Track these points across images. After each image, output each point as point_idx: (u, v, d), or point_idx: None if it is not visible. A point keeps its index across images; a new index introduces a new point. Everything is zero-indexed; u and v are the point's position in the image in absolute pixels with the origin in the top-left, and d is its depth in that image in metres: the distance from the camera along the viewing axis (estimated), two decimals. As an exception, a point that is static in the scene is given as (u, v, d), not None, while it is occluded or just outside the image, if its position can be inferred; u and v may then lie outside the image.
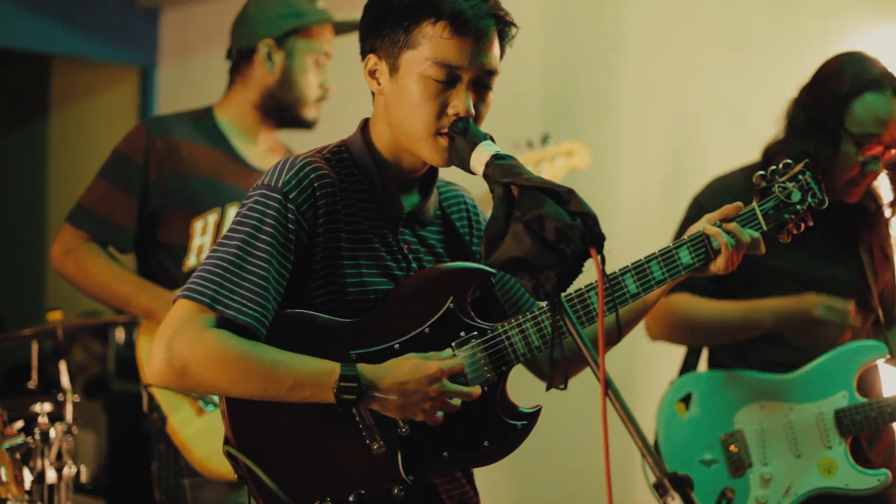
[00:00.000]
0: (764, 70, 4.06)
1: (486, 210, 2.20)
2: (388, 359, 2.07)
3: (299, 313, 2.07)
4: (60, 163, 7.26)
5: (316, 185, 2.08)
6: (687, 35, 4.33)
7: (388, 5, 2.07)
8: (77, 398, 3.26)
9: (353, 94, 3.53)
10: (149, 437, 3.29)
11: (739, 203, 2.22)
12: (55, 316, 3.33)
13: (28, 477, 2.99)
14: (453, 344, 2.10)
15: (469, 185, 2.39)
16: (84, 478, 3.18)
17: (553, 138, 3.99)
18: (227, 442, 2.06)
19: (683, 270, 2.17)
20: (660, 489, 1.64)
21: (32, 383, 3.30)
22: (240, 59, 3.37)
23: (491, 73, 2.08)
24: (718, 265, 2.17)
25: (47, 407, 3.15)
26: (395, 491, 2.06)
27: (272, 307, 2.03)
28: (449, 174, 2.24)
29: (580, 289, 2.15)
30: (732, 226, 2.17)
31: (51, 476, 3.07)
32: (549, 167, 3.86)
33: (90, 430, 5.52)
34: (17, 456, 2.99)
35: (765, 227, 2.23)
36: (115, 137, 3.32)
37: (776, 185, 2.26)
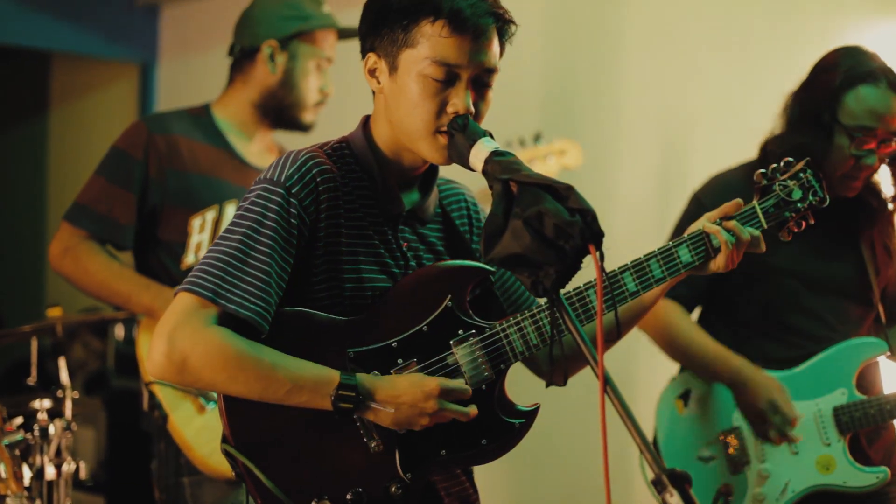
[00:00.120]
0: (763, 69, 4.06)
1: (486, 207, 2.20)
2: (386, 357, 2.08)
3: (297, 311, 2.07)
4: (60, 159, 7.26)
5: (318, 179, 2.08)
6: (686, 34, 4.33)
7: (387, 5, 2.07)
8: (76, 395, 3.27)
9: (348, 96, 3.54)
10: (147, 434, 3.29)
11: (739, 200, 2.22)
12: (55, 312, 3.33)
13: (27, 473, 2.99)
14: (451, 342, 2.10)
15: (468, 181, 2.39)
16: (83, 474, 3.19)
17: (545, 137, 4.00)
18: (224, 440, 2.07)
19: (683, 269, 2.17)
20: (658, 486, 1.64)
21: (32, 380, 3.30)
22: (242, 57, 3.37)
23: (490, 71, 2.08)
24: (718, 264, 2.17)
25: (47, 403, 3.15)
26: (393, 489, 2.06)
27: (274, 302, 2.03)
28: (449, 171, 2.24)
29: (579, 287, 2.15)
30: (732, 224, 2.17)
31: (50, 472, 3.07)
32: (540, 166, 3.87)
33: (89, 427, 5.51)
34: (17, 452, 2.99)
35: (765, 226, 2.22)
36: (115, 134, 3.31)
37: (777, 183, 2.26)
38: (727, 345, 3.09)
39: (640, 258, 2.17)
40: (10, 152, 7.46)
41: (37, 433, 3.06)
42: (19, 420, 3.08)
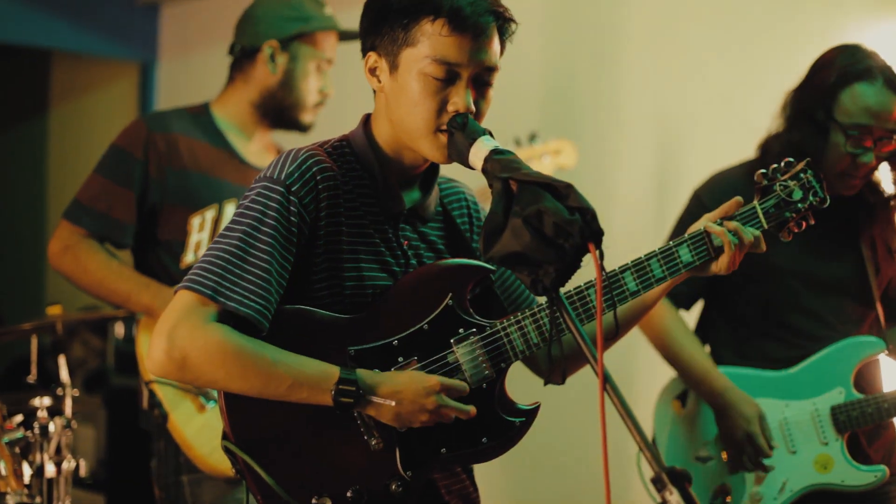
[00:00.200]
0: (762, 68, 4.06)
1: (485, 205, 2.20)
2: (387, 355, 2.08)
3: (298, 309, 2.07)
4: (60, 158, 7.26)
5: (318, 178, 2.08)
6: (685, 33, 4.33)
7: (387, 4, 2.08)
8: (76, 393, 3.26)
9: (348, 96, 3.54)
10: (146, 433, 3.29)
11: (739, 198, 2.22)
12: (54, 310, 3.33)
13: (27, 471, 2.99)
14: (452, 340, 2.10)
15: (468, 180, 2.39)
16: (83, 472, 3.18)
17: (541, 137, 4.00)
18: (225, 437, 2.06)
19: (684, 268, 2.17)
20: (658, 484, 1.64)
21: (32, 378, 3.30)
22: (242, 57, 3.37)
23: (490, 69, 2.08)
24: (721, 265, 2.17)
25: (46, 401, 3.14)
26: (393, 487, 2.06)
27: (274, 300, 2.03)
28: (449, 170, 2.24)
29: (580, 286, 2.15)
30: (735, 225, 2.17)
31: (50, 470, 3.06)
32: (536, 166, 3.86)
33: (89, 425, 5.52)
34: (17, 450, 2.99)
35: (766, 226, 2.22)
36: (115, 133, 3.30)
37: (777, 184, 2.26)
38: (728, 344, 3.09)
39: (640, 257, 2.17)
40: (10, 151, 7.46)
41: (37, 431, 3.06)
42: (19, 418, 3.08)
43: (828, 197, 2.28)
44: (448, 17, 2.02)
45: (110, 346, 5.65)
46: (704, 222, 2.19)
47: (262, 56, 3.32)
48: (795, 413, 2.98)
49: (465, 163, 2.02)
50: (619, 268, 2.16)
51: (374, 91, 2.16)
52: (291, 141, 3.38)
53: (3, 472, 2.87)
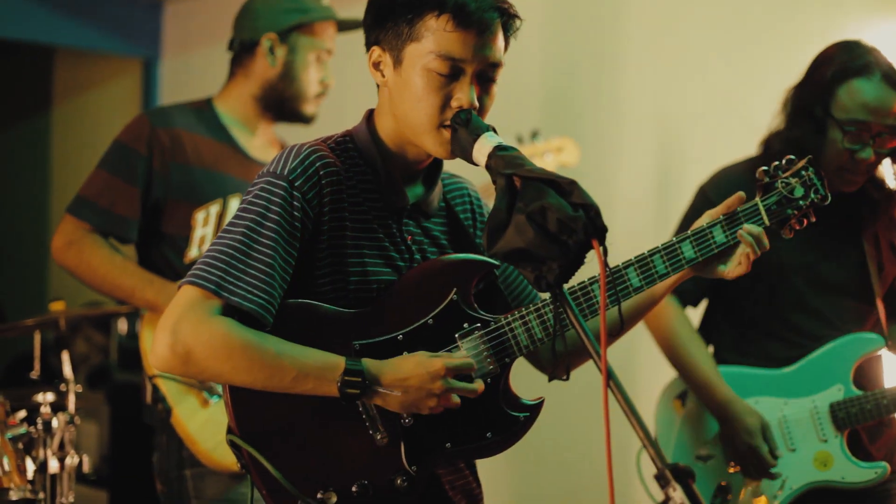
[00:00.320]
0: (763, 66, 4.06)
1: (489, 202, 2.20)
2: (392, 349, 2.07)
3: (302, 303, 2.07)
4: (63, 155, 7.27)
5: (322, 173, 2.08)
6: (686, 31, 4.33)
7: (392, -2, 2.08)
8: (79, 388, 3.26)
9: (351, 88, 3.54)
10: (149, 428, 3.29)
11: (742, 194, 2.22)
12: (58, 306, 3.33)
13: (31, 467, 2.99)
14: (457, 335, 2.11)
15: (472, 176, 2.40)
16: (86, 468, 3.18)
17: (543, 134, 4.00)
18: (230, 431, 2.06)
19: (686, 264, 2.17)
20: (661, 480, 1.64)
21: (35, 373, 3.30)
22: (242, 51, 3.37)
23: (495, 65, 2.08)
24: (733, 273, 2.17)
25: (50, 397, 3.14)
26: (398, 481, 2.06)
27: (278, 294, 2.03)
28: (452, 166, 2.24)
29: (583, 282, 2.15)
30: (759, 231, 2.17)
31: (53, 466, 3.06)
32: (538, 163, 3.85)
33: (92, 421, 5.53)
34: (20, 446, 2.99)
35: (767, 223, 2.23)
36: (118, 130, 3.30)
37: (779, 181, 2.26)
38: (730, 344, 3.09)
39: (643, 253, 2.17)
40: (14, 147, 7.47)
41: (40, 427, 3.06)
42: (22, 414, 3.07)
43: (829, 194, 2.28)
44: (453, 12, 2.02)
45: (113, 342, 5.65)
46: (707, 218, 2.20)
47: (261, 49, 3.32)
48: (794, 411, 2.98)
49: (468, 159, 2.02)
50: (623, 263, 2.16)
51: (378, 86, 2.16)
52: (295, 135, 3.39)
53: (7, 468, 2.87)
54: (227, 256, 2.01)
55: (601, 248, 1.77)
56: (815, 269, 3.00)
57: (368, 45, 2.14)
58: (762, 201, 2.23)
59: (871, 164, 2.88)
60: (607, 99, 4.53)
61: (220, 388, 3.07)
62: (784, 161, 2.28)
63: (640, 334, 3.14)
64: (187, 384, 3.08)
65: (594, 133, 4.44)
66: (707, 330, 3.17)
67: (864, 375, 3.01)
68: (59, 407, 3.16)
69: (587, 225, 1.76)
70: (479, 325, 2.12)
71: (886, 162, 2.94)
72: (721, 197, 2.26)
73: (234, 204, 3.24)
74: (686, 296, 3.08)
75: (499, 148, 1.95)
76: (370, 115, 2.20)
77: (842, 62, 2.86)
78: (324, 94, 3.39)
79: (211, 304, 2.00)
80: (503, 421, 2.12)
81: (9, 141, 7.49)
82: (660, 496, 1.65)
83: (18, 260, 7.18)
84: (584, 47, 4.62)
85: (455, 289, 2.12)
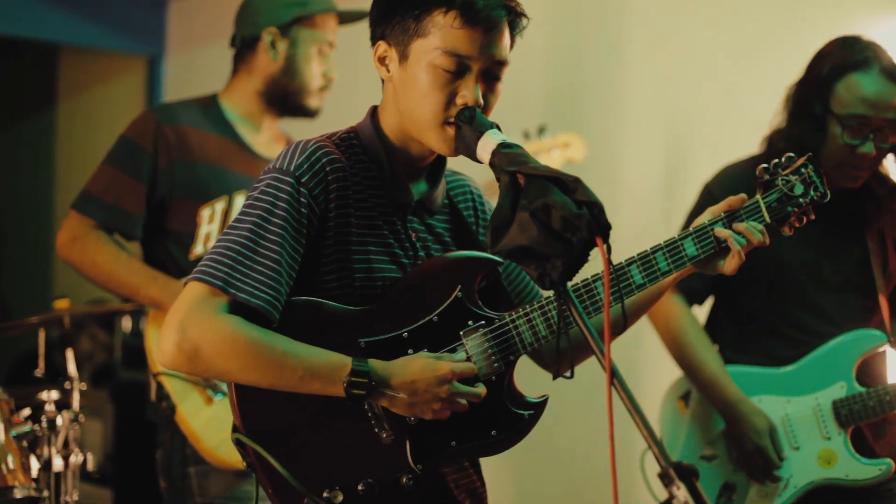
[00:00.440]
0: (768, 63, 4.05)
1: (492, 199, 2.20)
2: (397, 347, 2.07)
3: (307, 300, 2.07)
4: (68, 152, 7.27)
5: (328, 169, 2.08)
6: (691, 28, 4.33)
7: (399, -7, 2.08)
8: (84, 386, 3.27)
9: (356, 83, 3.53)
10: (153, 425, 3.29)
11: (743, 195, 2.22)
12: (62, 304, 3.33)
13: (35, 465, 2.99)
14: (461, 332, 2.10)
15: (475, 173, 2.39)
16: (91, 466, 3.19)
17: (549, 130, 4.00)
18: (235, 429, 2.06)
19: (688, 262, 2.17)
20: (665, 479, 1.64)
21: (39, 371, 3.31)
22: (243, 47, 3.37)
23: (500, 63, 2.08)
24: (730, 266, 2.17)
25: (54, 395, 3.15)
26: (404, 480, 2.06)
27: (285, 291, 2.02)
28: (456, 163, 2.24)
29: (587, 279, 2.15)
30: (744, 227, 2.17)
31: (57, 464, 3.07)
32: (545, 159, 3.87)
33: (97, 419, 5.53)
34: (24, 444, 2.99)
35: (768, 220, 2.23)
36: (123, 127, 3.30)
37: (779, 178, 2.26)
38: (734, 342, 3.09)
39: (646, 251, 2.17)
40: (18, 145, 7.47)
41: (44, 425, 3.06)
42: (27, 411, 3.08)
43: (828, 192, 2.28)
44: (460, 9, 2.02)
45: (118, 340, 5.66)
46: (709, 216, 2.20)
47: (262, 44, 3.32)
48: (797, 409, 2.97)
49: (472, 156, 2.02)
50: (626, 261, 2.16)
51: (383, 81, 2.16)
52: (300, 130, 3.40)
53: (11, 466, 2.88)
54: (233, 253, 2.01)
55: (605, 246, 1.77)
56: (816, 267, 3.00)
57: (374, 40, 2.14)
58: (763, 199, 2.24)
59: (873, 159, 2.88)
60: (613, 96, 4.52)
61: (224, 386, 3.07)
62: (784, 159, 2.28)
63: (643, 333, 3.14)
64: (192, 382, 3.08)
65: (600, 129, 4.44)
66: (711, 329, 3.16)
67: (868, 372, 3.01)
68: (63, 405, 3.17)
69: (591, 222, 1.76)
70: (483, 322, 2.11)
71: (890, 157, 2.93)
72: (726, 194, 2.26)
73: (239, 200, 3.24)
74: (692, 294, 3.08)
75: (503, 145, 1.95)
76: (374, 111, 2.19)
77: (840, 57, 2.86)
78: (327, 87, 3.39)
79: (218, 300, 1.99)
80: (508, 419, 2.12)
81: (13, 139, 7.49)
82: (663, 495, 1.65)
83: (23, 257, 7.19)
84: (591, 43, 4.61)
85: (459, 286, 2.11)
